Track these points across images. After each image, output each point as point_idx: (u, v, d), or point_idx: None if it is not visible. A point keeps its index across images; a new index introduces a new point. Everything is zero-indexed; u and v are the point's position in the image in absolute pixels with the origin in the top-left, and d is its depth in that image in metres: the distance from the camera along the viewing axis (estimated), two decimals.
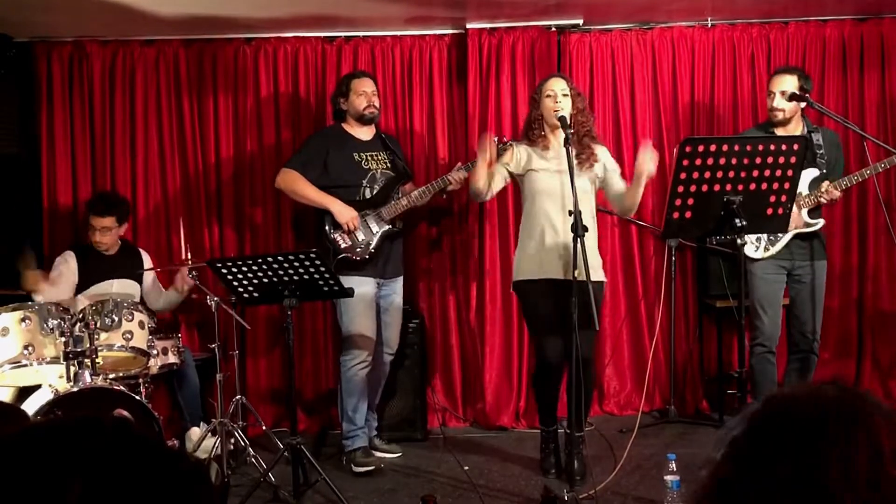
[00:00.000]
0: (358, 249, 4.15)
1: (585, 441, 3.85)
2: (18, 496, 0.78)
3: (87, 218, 4.34)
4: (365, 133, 4.30)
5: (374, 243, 4.18)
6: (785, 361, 4.40)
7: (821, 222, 4.17)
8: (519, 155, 3.85)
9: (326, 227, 4.15)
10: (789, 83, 4.05)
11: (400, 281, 4.40)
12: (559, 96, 3.73)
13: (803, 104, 4.08)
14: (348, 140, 4.25)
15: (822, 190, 4.05)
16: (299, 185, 4.17)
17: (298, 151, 4.32)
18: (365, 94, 4.25)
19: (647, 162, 3.49)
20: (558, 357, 3.72)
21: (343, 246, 4.13)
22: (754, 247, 4.14)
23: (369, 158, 4.26)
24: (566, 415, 3.99)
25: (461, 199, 4.91)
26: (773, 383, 4.28)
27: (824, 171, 4.14)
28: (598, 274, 3.75)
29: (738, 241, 3.23)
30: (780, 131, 4.15)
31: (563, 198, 3.67)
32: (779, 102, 4.07)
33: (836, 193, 4.06)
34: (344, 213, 4.12)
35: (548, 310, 3.69)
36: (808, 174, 4.10)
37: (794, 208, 3.77)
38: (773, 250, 4.15)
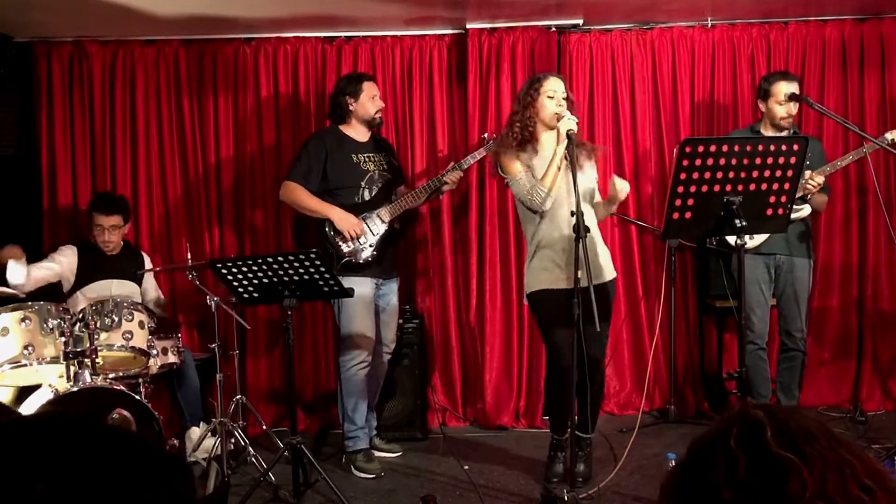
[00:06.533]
0: (360, 253, 4.14)
1: (592, 444, 3.84)
2: None
3: (91, 218, 4.35)
4: (362, 135, 4.29)
5: (375, 246, 4.18)
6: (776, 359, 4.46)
7: (806, 208, 4.21)
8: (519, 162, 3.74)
9: (328, 232, 4.14)
10: (795, 88, 4.10)
11: (397, 281, 4.41)
12: (560, 99, 3.67)
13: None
14: (346, 142, 4.24)
15: (806, 177, 4.08)
16: (300, 197, 4.16)
17: (297, 160, 4.26)
18: (376, 98, 4.25)
19: (623, 191, 3.58)
20: (569, 361, 3.68)
21: (346, 250, 4.13)
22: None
23: (367, 160, 4.25)
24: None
25: (461, 200, 4.92)
26: (766, 380, 4.32)
27: (807, 162, 4.16)
28: (609, 272, 3.75)
29: (738, 241, 3.23)
30: (768, 132, 4.19)
31: (568, 200, 3.63)
32: (792, 109, 4.12)
33: (820, 178, 4.10)
34: (344, 220, 4.11)
35: (561, 315, 3.61)
36: None
37: None
38: (758, 240, 4.17)
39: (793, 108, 4.17)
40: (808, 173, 4.10)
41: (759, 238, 4.18)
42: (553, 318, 3.68)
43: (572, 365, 3.64)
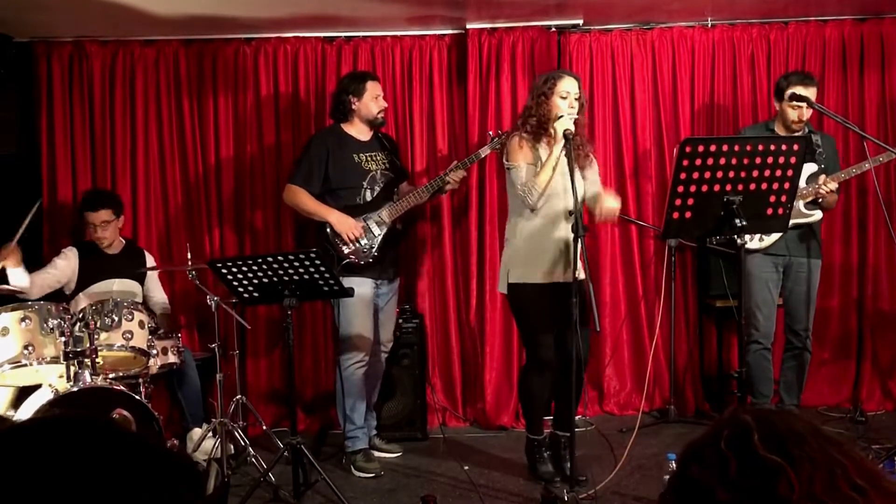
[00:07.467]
0: (361, 254, 4.14)
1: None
2: None
3: (83, 217, 4.35)
4: (364, 133, 4.28)
5: (376, 247, 4.17)
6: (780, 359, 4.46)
7: (818, 213, 4.21)
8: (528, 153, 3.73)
9: (329, 233, 4.14)
10: (809, 92, 4.08)
11: (397, 281, 4.41)
12: (573, 100, 3.65)
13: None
14: (348, 141, 4.23)
15: (820, 182, 4.08)
16: (301, 200, 4.17)
17: (299, 162, 4.26)
18: (380, 98, 4.25)
19: (612, 208, 3.57)
20: (552, 355, 3.71)
21: (346, 252, 4.12)
22: (749, 237, 4.13)
23: (368, 159, 4.24)
24: (553, 415, 3.98)
25: (461, 200, 4.92)
26: (770, 380, 4.32)
27: (822, 166, 4.17)
28: (582, 272, 3.74)
29: (738, 241, 3.23)
30: (781, 132, 4.18)
31: (564, 198, 3.64)
32: (805, 114, 4.12)
33: (833, 185, 4.10)
34: (343, 223, 4.10)
35: (545, 310, 3.67)
36: (807, 169, 4.17)
37: None
38: (767, 241, 4.17)
39: (805, 112, 4.12)
40: (822, 178, 4.10)
41: (769, 239, 4.18)
42: (536, 313, 3.70)
43: (553, 360, 3.66)
